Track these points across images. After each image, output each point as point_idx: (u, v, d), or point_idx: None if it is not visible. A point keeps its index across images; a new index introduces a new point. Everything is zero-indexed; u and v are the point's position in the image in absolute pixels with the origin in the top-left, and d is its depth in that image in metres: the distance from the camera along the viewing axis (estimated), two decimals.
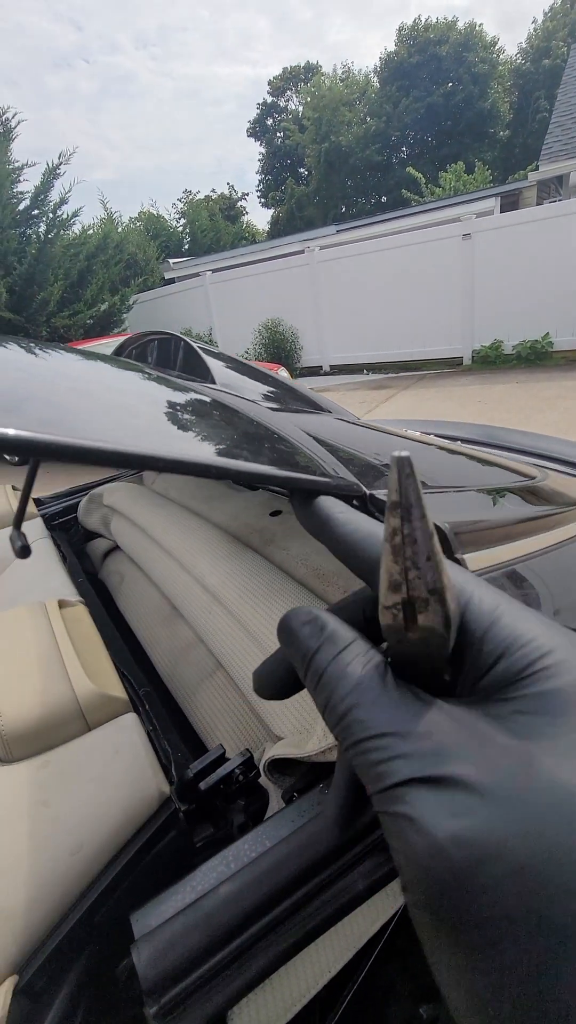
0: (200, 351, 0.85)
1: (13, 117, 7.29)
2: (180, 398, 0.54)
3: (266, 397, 0.92)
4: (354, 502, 0.23)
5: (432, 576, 0.17)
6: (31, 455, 0.21)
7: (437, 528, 0.21)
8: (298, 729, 0.57)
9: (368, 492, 0.22)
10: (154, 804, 0.42)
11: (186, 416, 0.41)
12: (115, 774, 0.41)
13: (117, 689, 0.50)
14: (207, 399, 0.55)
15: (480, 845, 0.14)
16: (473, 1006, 0.14)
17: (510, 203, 10.62)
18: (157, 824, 0.41)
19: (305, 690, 0.52)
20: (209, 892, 0.38)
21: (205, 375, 0.75)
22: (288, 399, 0.97)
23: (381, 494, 0.22)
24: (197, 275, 10.89)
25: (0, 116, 7.20)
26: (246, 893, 0.38)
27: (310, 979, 0.43)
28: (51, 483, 1.32)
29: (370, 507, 0.22)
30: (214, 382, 0.81)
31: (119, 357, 0.97)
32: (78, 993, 0.37)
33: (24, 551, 0.42)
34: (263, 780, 0.53)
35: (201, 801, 0.49)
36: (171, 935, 0.36)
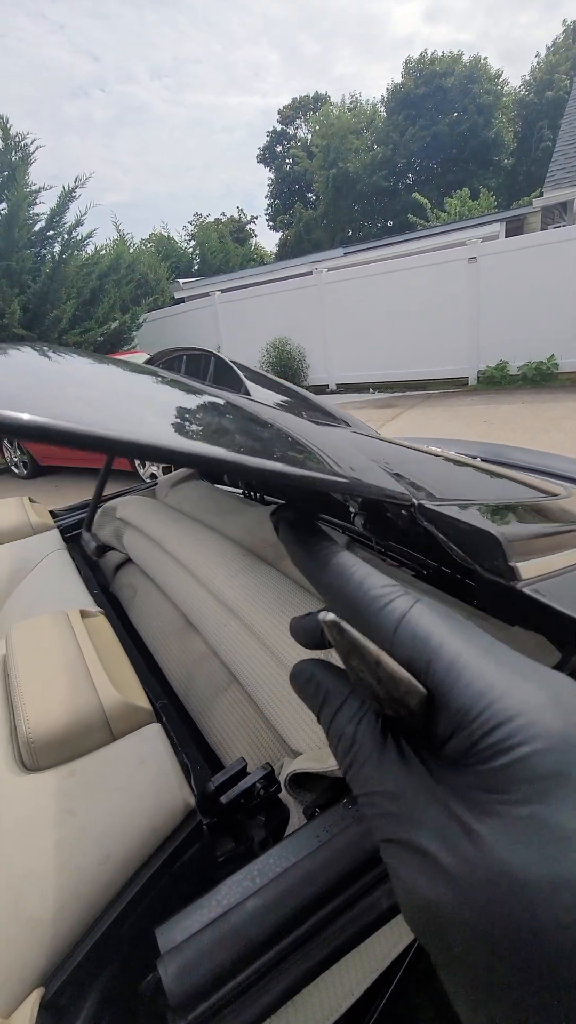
0: (232, 364, 0.86)
1: (32, 143, 7.53)
2: (227, 406, 0.55)
3: (295, 409, 0.93)
4: (403, 512, 0.23)
5: (382, 690, 0.19)
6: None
7: (490, 536, 0.22)
8: (317, 744, 0.57)
9: (416, 502, 0.22)
10: (179, 816, 0.41)
11: (233, 423, 0.41)
12: (140, 784, 0.41)
13: (141, 699, 0.50)
14: (253, 409, 0.56)
15: (445, 914, 0.17)
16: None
17: (515, 228, 10.81)
18: (182, 836, 0.41)
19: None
20: (235, 907, 0.38)
21: (238, 387, 0.77)
22: (318, 413, 0.98)
23: (431, 504, 0.23)
24: (206, 295, 11.09)
25: (20, 142, 7.44)
26: (273, 908, 0.38)
27: (333, 1002, 0.43)
28: (61, 497, 1.33)
29: (418, 516, 0.23)
30: (248, 394, 0.82)
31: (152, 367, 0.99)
32: (100, 1010, 0.36)
33: (99, 551, 0.43)
34: (283, 795, 0.53)
35: (222, 815, 0.48)
36: (198, 950, 0.35)
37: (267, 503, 1.36)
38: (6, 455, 6.63)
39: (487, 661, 0.19)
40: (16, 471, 6.59)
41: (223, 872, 0.43)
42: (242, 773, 0.50)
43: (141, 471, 5.20)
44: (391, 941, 0.46)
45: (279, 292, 9.75)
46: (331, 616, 0.19)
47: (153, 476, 5.09)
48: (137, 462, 5.16)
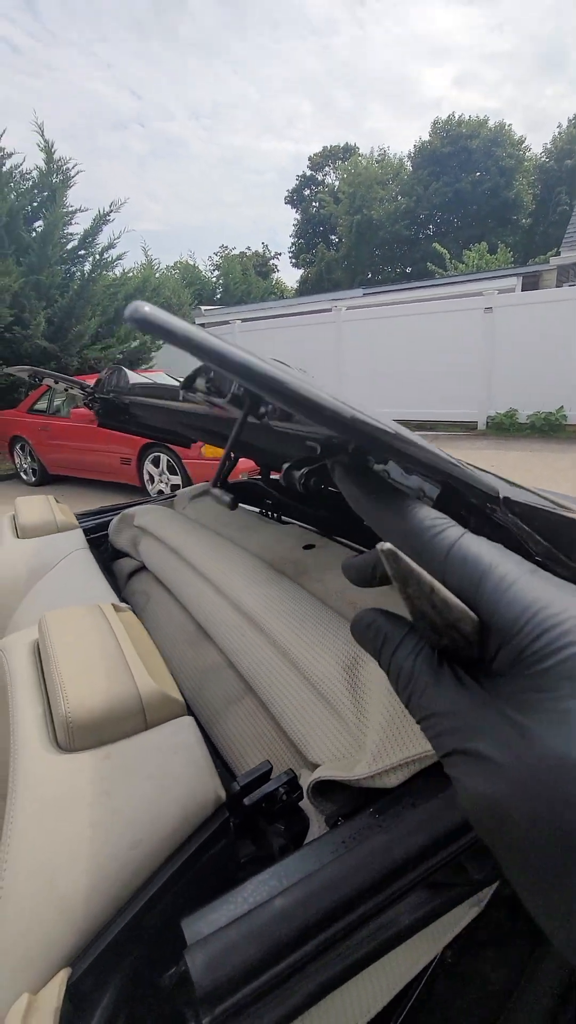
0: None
1: (73, 167, 7.89)
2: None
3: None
4: (488, 505, 0.25)
5: (438, 616, 0.20)
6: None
7: None
8: (337, 755, 0.57)
9: (503, 495, 0.24)
10: (210, 807, 0.41)
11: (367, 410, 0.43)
12: (174, 773, 0.41)
13: (174, 691, 0.50)
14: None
15: (504, 805, 0.18)
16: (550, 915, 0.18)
17: (531, 284, 11.17)
18: (212, 829, 0.41)
19: (338, 723, 0.53)
20: (263, 904, 0.38)
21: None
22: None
23: (517, 496, 0.24)
24: (227, 323, 11.38)
25: (61, 166, 7.79)
26: (301, 909, 0.37)
27: (350, 1018, 0.42)
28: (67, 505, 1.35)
29: (503, 508, 0.24)
30: None
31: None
32: (121, 1000, 0.36)
33: (233, 503, 0.43)
34: (304, 804, 0.53)
35: (245, 817, 0.48)
36: (226, 944, 0.35)
37: (284, 522, 1.37)
38: (16, 460, 6.68)
39: (534, 579, 0.21)
40: (24, 477, 6.64)
41: (245, 875, 0.43)
42: (266, 776, 0.50)
43: (149, 487, 5.23)
44: (409, 962, 0.46)
45: (297, 326, 10.01)
46: (388, 545, 0.20)
47: (160, 493, 5.12)
48: (146, 477, 5.21)
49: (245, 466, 3.90)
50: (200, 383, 0.23)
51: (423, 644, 0.23)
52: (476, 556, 0.22)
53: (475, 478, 0.23)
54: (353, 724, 0.57)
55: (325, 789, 0.52)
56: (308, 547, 1.10)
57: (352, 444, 0.25)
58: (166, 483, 5.13)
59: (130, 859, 0.36)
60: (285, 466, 0.45)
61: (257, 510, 1.48)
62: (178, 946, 0.36)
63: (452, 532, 0.23)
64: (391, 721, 0.54)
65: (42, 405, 6.19)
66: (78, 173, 7.95)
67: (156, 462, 5.11)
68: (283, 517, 1.48)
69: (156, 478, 5.19)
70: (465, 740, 0.20)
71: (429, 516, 0.24)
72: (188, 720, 0.47)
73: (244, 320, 11.13)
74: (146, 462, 5.18)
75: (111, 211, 8.20)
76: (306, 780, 0.54)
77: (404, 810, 0.46)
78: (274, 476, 1.63)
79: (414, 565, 0.20)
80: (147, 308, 0.20)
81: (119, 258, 8.63)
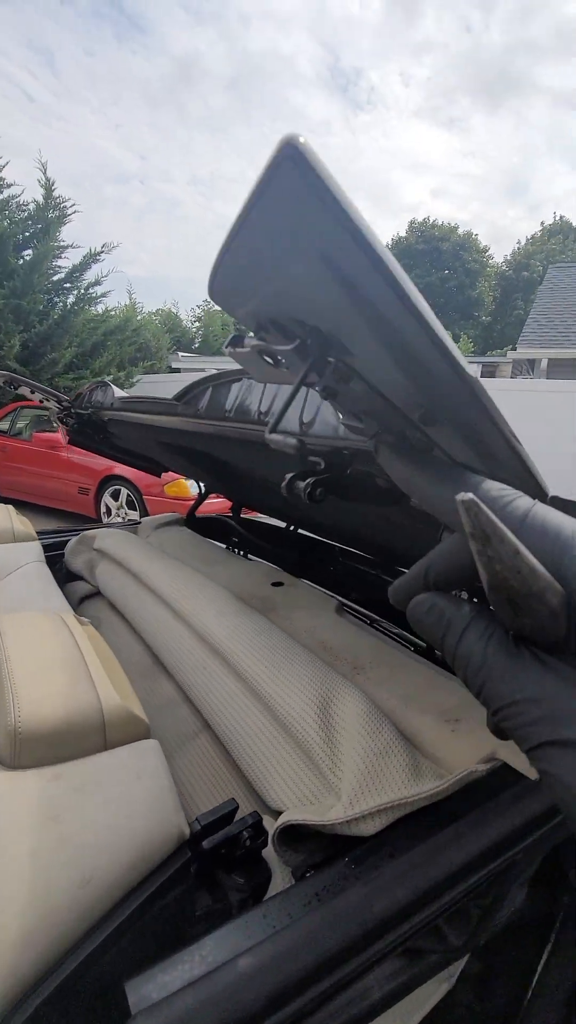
0: None
1: (71, 206, 8.13)
2: None
3: None
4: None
5: (523, 584, 0.17)
6: None
7: None
8: (303, 799, 0.52)
9: (551, 494, 0.23)
10: (171, 844, 0.36)
11: None
12: (134, 801, 0.36)
13: (140, 711, 0.45)
14: None
15: None
16: None
17: (488, 373, 12.14)
18: (170, 871, 0.35)
19: (308, 764, 0.52)
20: (224, 964, 0.32)
21: None
22: None
23: (566, 496, 0.24)
24: (204, 371, 11.63)
25: (59, 203, 8.02)
26: (270, 972, 0.32)
27: None
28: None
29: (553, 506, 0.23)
30: None
31: None
32: None
33: (300, 445, 0.37)
34: (267, 852, 0.47)
35: (203, 861, 0.42)
36: (179, 1013, 0.29)
37: (250, 559, 1.34)
38: None
39: None
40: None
41: (199, 931, 0.37)
42: (230, 817, 0.45)
43: (106, 519, 5.06)
44: None
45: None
46: (469, 495, 0.17)
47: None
48: (103, 509, 5.05)
49: (217, 507, 3.84)
50: (249, 340, 0.21)
51: (495, 626, 0.20)
52: (557, 525, 0.19)
53: (536, 469, 0.22)
54: (325, 766, 0.53)
55: (291, 837, 0.47)
56: (277, 584, 1.07)
57: (416, 418, 0.23)
58: (123, 517, 4.99)
59: (76, 899, 0.30)
60: (289, 476, 0.43)
61: (224, 546, 1.44)
62: (119, 1015, 0.30)
63: (523, 501, 0.21)
64: (368, 764, 0.50)
65: (3, 425, 6.01)
66: (74, 212, 8.19)
67: (116, 495, 4.98)
68: (250, 555, 1.44)
69: (114, 511, 5.04)
70: (558, 730, 0.17)
71: (495, 487, 0.22)
72: (153, 743, 0.41)
73: (217, 369, 11.39)
74: (105, 494, 5.04)
75: (102, 251, 8.42)
76: (271, 825, 0.49)
77: (382, 861, 0.42)
78: (245, 515, 1.61)
79: (497, 521, 0.17)
80: (302, 140, 0.16)
81: (104, 295, 8.78)
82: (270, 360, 0.23)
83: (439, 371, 0.18)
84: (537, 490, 0.22)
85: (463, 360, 0.18)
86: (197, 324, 19.95)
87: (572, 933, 0.52)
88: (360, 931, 0.36)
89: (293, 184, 0.16)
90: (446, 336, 0.18)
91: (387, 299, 0.18)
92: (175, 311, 19.02)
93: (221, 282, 0.22)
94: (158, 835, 0.35)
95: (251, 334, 0.23)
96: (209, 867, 0.43)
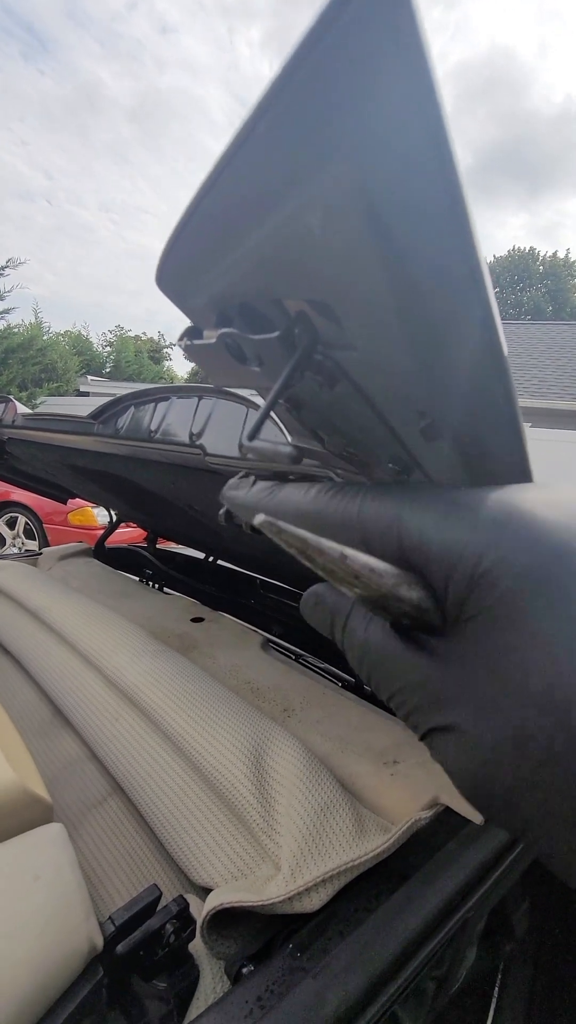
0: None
1: None
2: None
3: None
4: None
5: (367, 589, 0.16)
6: None
7: None
8: (235, 872, 0.45)
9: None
10: (80, 963, 0.28)
11: None
12: (32, 912, 0.27)
13: (40, 787, 0.36)
14: None
15: (487, 785, 0.16)
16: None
17: None
18: (78, 999, 0.27)
19: (241, 829, 0.49)
20: None
21: None
22: None
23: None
24: (113, 395, 11.23)
25: None
26: None
27: None
28: None
29: None
30: None
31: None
32: None
33: (297, 453, 0.28)
34: (193, 946, 0.40)
35: (116, 972, 0.35)
36: None
37: (166, 593, 1.24)
38: None
39: (448, 509, 0.16)
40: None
41: None
42: (151, 908, 0.37)
43: None
44: None
45: None
46: (262, 516, 0.15)
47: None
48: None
49: (128, 536, 3.62)
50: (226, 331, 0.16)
51: (371, 615, 0.19)
52: (394, 507, 0.17)
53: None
54: (260, 829, 0.47)
55: (222, 922, 0.41)
56: (197, 620, 0.99)
57: None
58: (20, 548, 4.56)
59: None
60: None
61: (137, 579, 1.33)
62: None
63: (349, 488, 0.18)
64: (309, 824, 0.45)
65: None
66: None
67: (12, 523, 4.56)
68: (166, 588, 1.35)
69: (9, 541, 4.60)
70: (437, 715, 0.16)
71: (327, 486, 0.19)
72: (56, 829, 0.33)
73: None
74: None
75: (7, 266, 7.95)
76: (199, 909, 0.41)
77: (332, 943, 0.37)
78: (161, 545, 1.51)
79: (303, 533, 0.15)
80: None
81: (7, 311, 8.26)
82: (236, 357, 0.19)
83: (476, 362, 0.15)
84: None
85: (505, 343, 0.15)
86: (108, 348, 19.42)
87: (518, 988, 0.50)
88: None
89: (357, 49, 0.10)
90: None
91: (455, 255, 0.12)
92: (85, 334, 18.39)
93: (178, 257, 0.18)
94: (61, 955, 0.27)
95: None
96: (125, 976, 0.36)
